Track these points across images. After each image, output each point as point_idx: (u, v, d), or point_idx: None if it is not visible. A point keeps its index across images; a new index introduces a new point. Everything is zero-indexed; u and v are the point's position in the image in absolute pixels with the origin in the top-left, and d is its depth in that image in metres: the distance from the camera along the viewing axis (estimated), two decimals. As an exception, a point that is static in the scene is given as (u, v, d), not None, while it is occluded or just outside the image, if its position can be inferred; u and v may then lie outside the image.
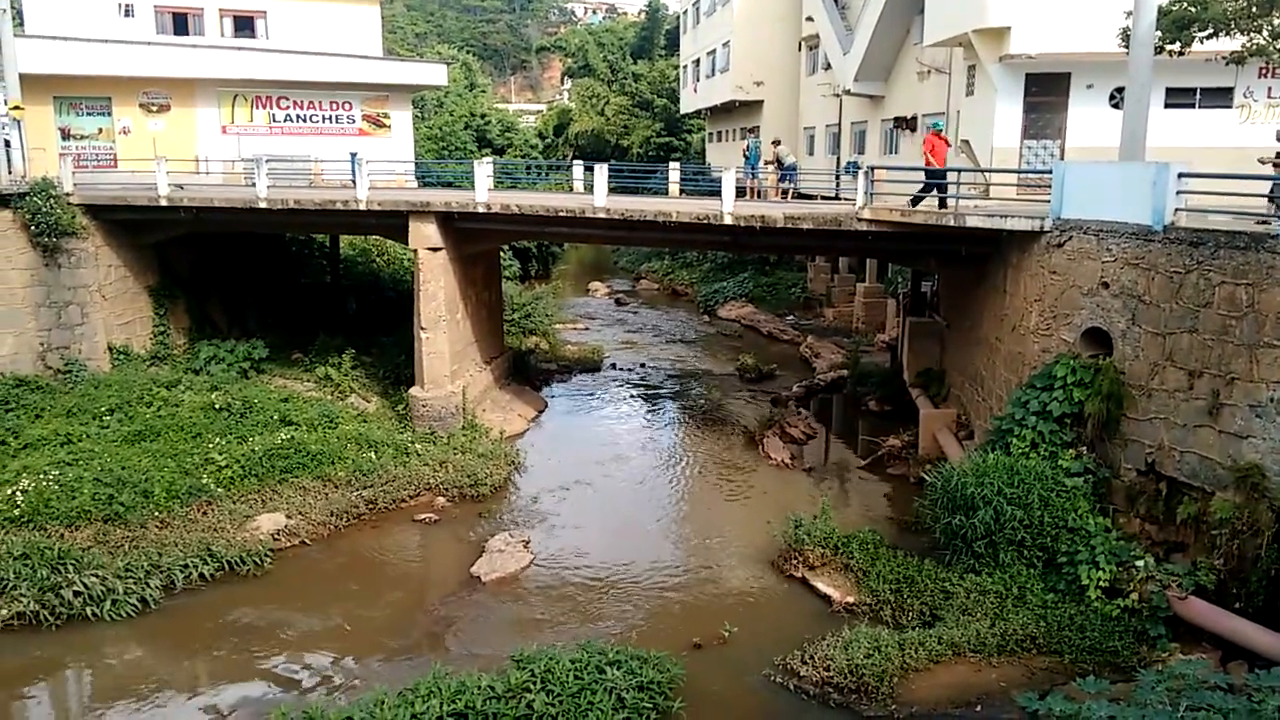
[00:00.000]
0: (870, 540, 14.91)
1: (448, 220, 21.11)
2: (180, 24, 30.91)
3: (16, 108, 22.77)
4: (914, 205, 17.62)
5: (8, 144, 22.70)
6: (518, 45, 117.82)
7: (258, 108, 31.57)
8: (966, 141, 23.79)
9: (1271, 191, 13.35)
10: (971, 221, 16.33)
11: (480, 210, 20.76)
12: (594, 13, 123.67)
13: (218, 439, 18.55)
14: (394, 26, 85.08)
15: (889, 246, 20.08)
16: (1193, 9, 17.01)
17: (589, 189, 22.25)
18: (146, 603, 13.89)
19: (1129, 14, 16.55)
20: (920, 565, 14.01)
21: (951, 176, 18.78)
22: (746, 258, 42.04)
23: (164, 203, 22.36)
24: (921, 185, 18.13)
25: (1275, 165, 15.44)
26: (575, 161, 29.39)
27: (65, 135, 29.03)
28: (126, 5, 29.98)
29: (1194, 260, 12.24)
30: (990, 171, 21.11)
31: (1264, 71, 22.07)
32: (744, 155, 28.00)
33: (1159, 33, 16.64)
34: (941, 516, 13.87)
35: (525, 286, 38.13)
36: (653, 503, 18.47)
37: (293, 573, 15.20)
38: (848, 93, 32.61)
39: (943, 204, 17.84)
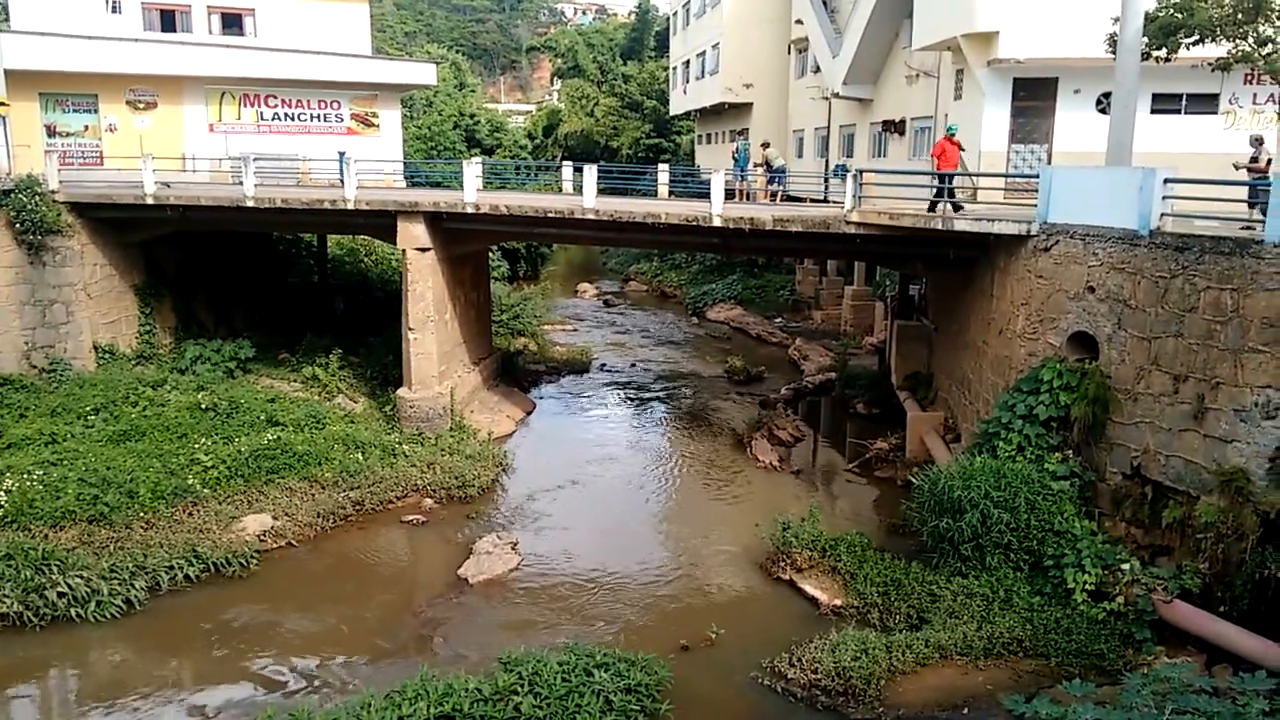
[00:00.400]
0: (858, 543, 14.94)
1: (436, 220, 21.05)
2: (168, 21, 30.73)
3: (1, 104, 22.60)
4: (954, 210, 17.43)
5: (-8, 141, 22.55)
6: (507, 45, 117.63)
7: (245, 106, 31.42)
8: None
9: (1250, 195, 13.46)
10: (959, 225, 16.38)
11: (469, 211, 20.71)
12: (584, 13, 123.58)
13: (204, 439, 18.43)
14: (383, 25, 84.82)
15: (877, 249, 20.12)
16: (1179, 15, 17.12)
17: (578, 190, 22.24)
18: (131, 604, 13.80)
19: (1116, 20, 16.67)
20: (907, 568, 14.04)
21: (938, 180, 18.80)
22: (735, 260, 42.02)
23: (150, 201, 22.23)
24: (936, 190, 18.00)
25: (1249, 170, 15.59)
26: (564, 162, 29.38)
27: (51, 132, 28.78)
28: (114, 1, 29.78)
29: (1179, 265, 12.31)
30: (978, 175, 21.18)
31: (1249, 78, 22.23)
32: (733, 157, 28.00)
33: (1146, 39, 16.74)
34: (929, 519, 13.90)
35: (514, 287, 38.05)
36: (641, 504, 18.46)
37: (279, 574, 15.13)
38: (836, 96, 32.69)
39: (932, 207, 17.83)
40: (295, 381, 22.95)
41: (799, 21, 37.84)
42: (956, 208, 17.63)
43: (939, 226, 16.65)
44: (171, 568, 14.53)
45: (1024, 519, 13.13)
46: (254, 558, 15.25)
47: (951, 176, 17.99)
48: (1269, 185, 12.44)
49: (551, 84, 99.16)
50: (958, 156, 18.53)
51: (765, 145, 27.18)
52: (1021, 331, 15.30)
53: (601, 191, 21.37)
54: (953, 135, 18.56)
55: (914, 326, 22.91)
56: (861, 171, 18.40)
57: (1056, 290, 14.48)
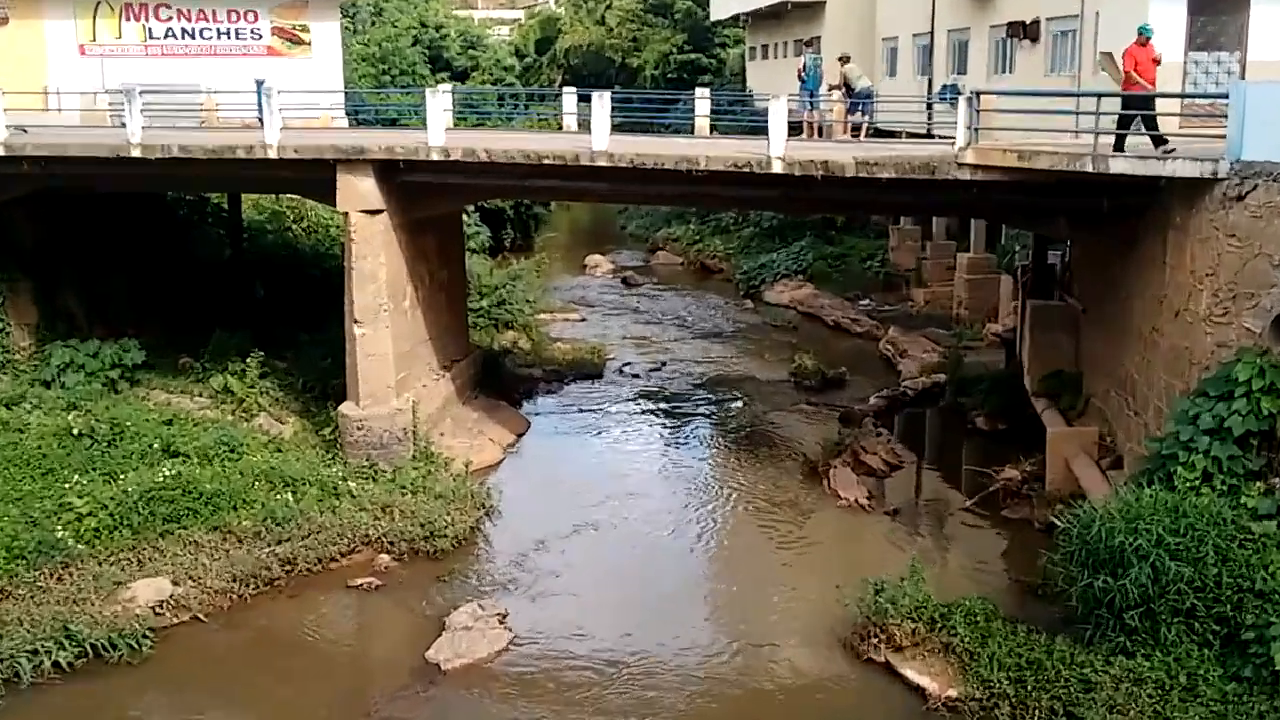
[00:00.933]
0: (979, 610, 14.85)
1: (390, 172, 21.17)
2: (21, -94, 31.09)
3: None
4: (1119, 149, 17.08)
5: None
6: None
7: (128, 20, 31.74)
8: (1107, 54, 23.67)
9: None
10: (1116, 166, 16.25)
11: (435, 158, 20.79)
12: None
13: (77, 476, 18.59)
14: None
15: (1002, 202, 20.04)
16: None
17: (585, 127, 22.25)
18: (-21, 704, 13.95)
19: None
20: (1049, 645, 13.94)
21: (1088, 104, 18.62)
22: (803, 220, 41.94)
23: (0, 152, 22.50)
24: (1122, 120, 17.54)
25: None
26: (566, 89, 29.42)
27: None
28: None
29: None
30: (1144, 96, 20.98)
31: None
32: (799, 78, 27.90)
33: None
34: (1079, 576, 13.80)
35: (498, 262, 38.17)
36: (677, 559, 18.49)
37: (182, 660, 15.24)
38: (943, -11, 32.59)
39: (1120, 144, 17.35)
40: (201, 396, 23.12)
41: (888, -113, 37.75)
42: (1159, 142, 17.19)
43: (1089, 169, 16.53)
44: (35, 652, 14.60)
45: (1213, 575, 12.99)
46: (148, 637, 15.30)
47: (1148, 100, 17.52)
48: None
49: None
50: (1154, 69, 18.05)
51: (844, 60, 27.06)
52: (1207, 313, 15.18)
53: (617, 128, 21.38)
54: (1147, 38, 17.99)
55: (1055, 308, 22.79)
56: (979, 94, 18.29)
57: (1256, 255, 14.33)
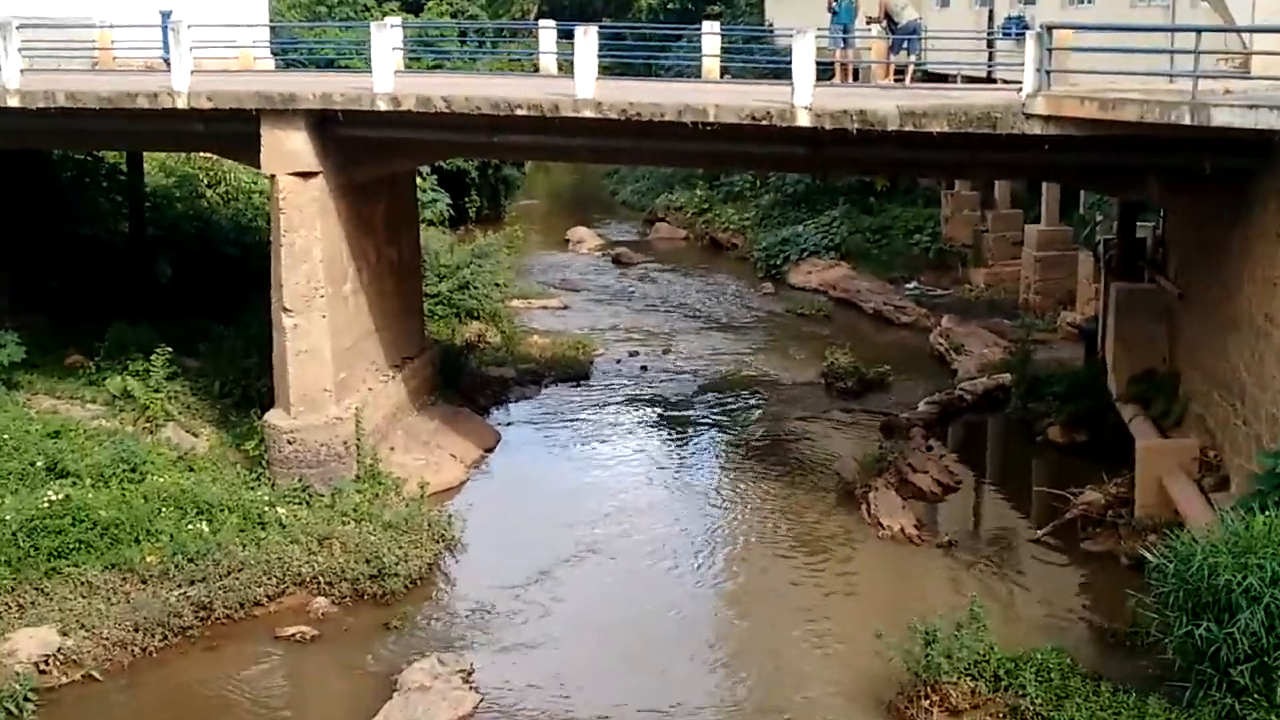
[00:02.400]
0: (1054, 664, 14.90)
1: (327, 125, 21.12)
2: None
3: None
4: None
5: None
6: None
7: (4, -61, 31.67)
8: (1210, -19, 23.71)
9: None
10: (1220, 117, 16.16)
11: (382, 108, 20.69)
12: None
13: (-60, 502, 18.56)
14: None
15: (1080, 161, 20.04)
16: None
17: (566, 69, 22.22)
18: None
19: None
20: (1141, 707, 13.97)
21: (1185, 41, 18.56)
22: (836, 185, 42.07)
23: None
24: None
25: None
26: (543, 23, 29.35)
27: None
28: None
29: None
30: (1252, 31, 20.95)
31: None
32: (830, 9, 27.88)
33: None
34: (1175, 623, 13.77)
35: (460, 237, 38.12)
36: (680, 603, 18.51)
37: (72, 728, 15.18)
38: (1005, -100, 32.60)
39: None
40: (95, 402, 23.08)
41: None
42: None
43: (1187, 119, 16.48)
44: (-110, 720, 14.65)
45: (1342, 621, 12.98)
46: (30, 699, 15.24)
47: None
48: None
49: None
50: None
51: (884, -13, 27.08)
52: (1332, 298, 15.17)
53: (607, 71, 21.33)
54: None
55: (1145, 292, 22.83)
56: (1052, 29, 18.27)
57: (1393, 226, 14.32)
